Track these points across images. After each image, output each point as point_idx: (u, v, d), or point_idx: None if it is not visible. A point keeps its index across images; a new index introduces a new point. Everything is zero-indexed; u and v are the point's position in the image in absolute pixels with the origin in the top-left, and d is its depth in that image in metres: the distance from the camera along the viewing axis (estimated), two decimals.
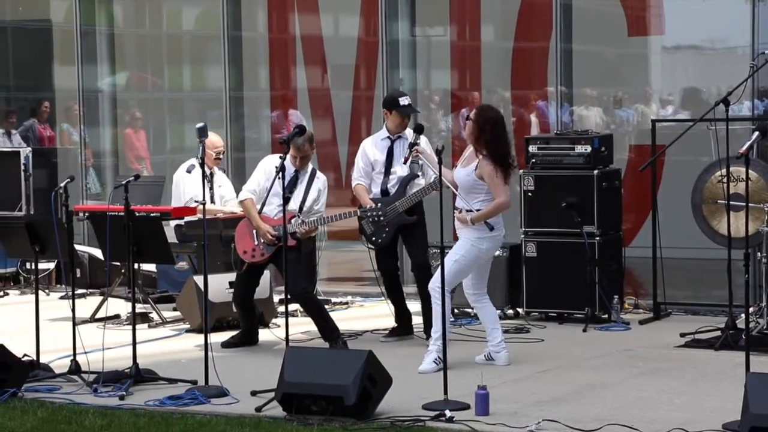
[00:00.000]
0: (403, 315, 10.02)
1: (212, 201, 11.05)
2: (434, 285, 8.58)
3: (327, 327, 9.42)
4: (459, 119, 12.61)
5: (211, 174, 11.11)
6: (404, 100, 9.84)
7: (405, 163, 9.20)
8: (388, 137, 9.84)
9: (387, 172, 9.77)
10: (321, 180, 9.64)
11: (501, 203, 8.58)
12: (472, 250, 8.64)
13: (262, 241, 9.49)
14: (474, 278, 8.82)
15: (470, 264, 8.69)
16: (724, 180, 9.56)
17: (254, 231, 9.51)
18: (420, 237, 9.76)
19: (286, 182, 9.00)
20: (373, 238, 9.77)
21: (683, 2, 11.74)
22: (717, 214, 10.07)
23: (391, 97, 9.99)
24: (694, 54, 12.22)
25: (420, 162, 8.99)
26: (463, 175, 8.68)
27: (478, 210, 8.59)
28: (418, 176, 9.69)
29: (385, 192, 9.76)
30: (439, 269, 8.36)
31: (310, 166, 9.62)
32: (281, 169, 8.54)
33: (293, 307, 10.39)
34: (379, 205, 9.58)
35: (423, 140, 9.66)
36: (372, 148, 9.85)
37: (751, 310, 9.08)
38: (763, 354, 8.70)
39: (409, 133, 9.81)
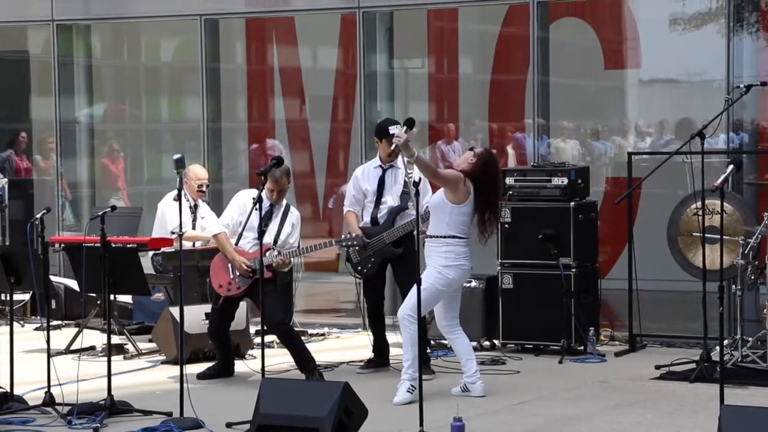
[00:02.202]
0: (381, 346, 10.01)
1: (193, 230, 11.08)
2: (403, 313, 8.62)
3: (303, 358, 9.41)
4: (436, 151, 12.65)
5: (195, 206, 11.13)
6: (394, 129, 9.64)
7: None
8: (380, 166, 9.81)
9: (378, 201, 9.76)
10: (295, 215, 9.66)
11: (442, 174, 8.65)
12: (439, 279, 8.66)
13: (237, 274, 9.48)
14: (445, 309, 8.84)
15: (438, 292, 8.69)
16: (700, 213, 9.60)
17: (229, 265, 9.51)
18: (410, 269, 9.69)
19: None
20: (359, 268, 9.76)
21: (659, 36, 11.81)
22: (692, 247, 10.12)
23: (382, 125, 9.88)
24: (670, 87, 12.30)
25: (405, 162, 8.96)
26: (434, 197, 8.78)
27: (437, 236, 8.63)
28: (407, 208, 9.68)
29: (374, 221, 9.73)
30: (408, 297, 8.44)
31: (284, 201, 9.64)
32: (258, 200, 8.55)
33: (269, 338, 10.38)
34: (356, 234, 9.58)
35: (416, 169, 9.72)
36: (364, 176, 9.80)
37: (725, 342, 9.10)
38: (738, 387, 8.75)
39: (401, 162, 9.80)
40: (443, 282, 8.68)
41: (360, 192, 9.80)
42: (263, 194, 8.71)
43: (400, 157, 9.81)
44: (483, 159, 8.71)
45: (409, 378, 8.53)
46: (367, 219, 9.78)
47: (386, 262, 9.73)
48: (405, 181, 9.70)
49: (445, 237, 8.67)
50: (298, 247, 9.62)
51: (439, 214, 8.68)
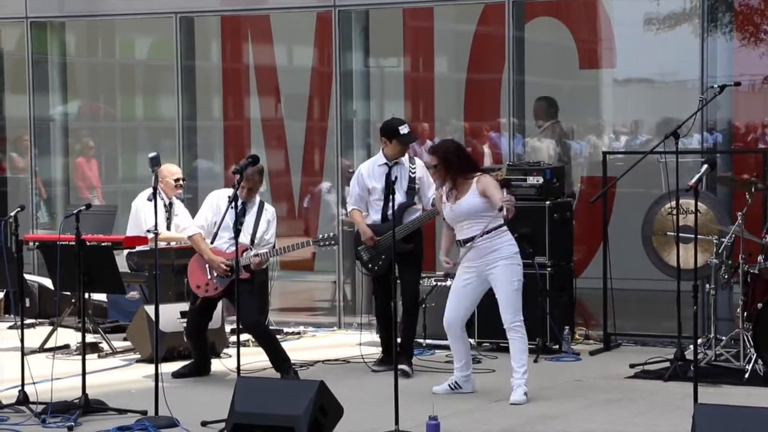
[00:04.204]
0: (390, 345, 9.91)
1: (168, 230, 11.06)
2: (513, 321, 8.63)
3: (278, 357, 9.40)
4: (410, 150, 12.63)
5: (170, 203, 11.12)
6: (404, 129, 9.67)
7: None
8: (386, 163, 9.75)
9: (387, 198, 9.72)
10: (270, 212, 9.64)
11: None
12: (519, 269, 8.66)
13: (215, 274, 9.46)
14: (467, 308, 8.88)
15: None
16: (674, 212, 9.65)
17: (207, 265, 9.49)
18: (413, 267, 9.67)
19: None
20: (369, 266, 9.72)
21: (634, 36, 11.85)
22: (667, 246, 10.16)
23: (391, 126, 9.75)
24: (644, 87, 12.34)
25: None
26: (469, 204, 8.59)
27: (496, 227, 8.56)
28: (415, 203, 9.66)
29: (385, 218, 9.67)
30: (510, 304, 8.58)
31: (257, 198, 9.61)
32: (234, 198, 8.55)
33: (245, 337, 10.36)
34: (332, 234, 9.57)
35: (418, 164, 9.75)
36: (369, 174, 9.73)
37: (699, 341, 9.15)
38: (711, 385, 8.79)
39: (406, 159, 9.78)
40: (521, 270, 8.67)
41: (365, 190, 9.72)
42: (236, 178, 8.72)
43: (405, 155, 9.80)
44: (443, 162, 8.63)
45: (526, 383, 8.58)
46: (376, 217, 9.71)
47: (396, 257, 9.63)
48: (410, 177, 9.69)
49: (501, 226, 8.63)
50: (274, 247, 9.60)
51: (486, 214, 8.52)
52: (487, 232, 8.57)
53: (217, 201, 9.51)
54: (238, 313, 8.35)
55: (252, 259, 9.38)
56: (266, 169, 9.78)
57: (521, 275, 8.69)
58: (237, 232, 8.62)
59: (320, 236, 9.57)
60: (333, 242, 9.51)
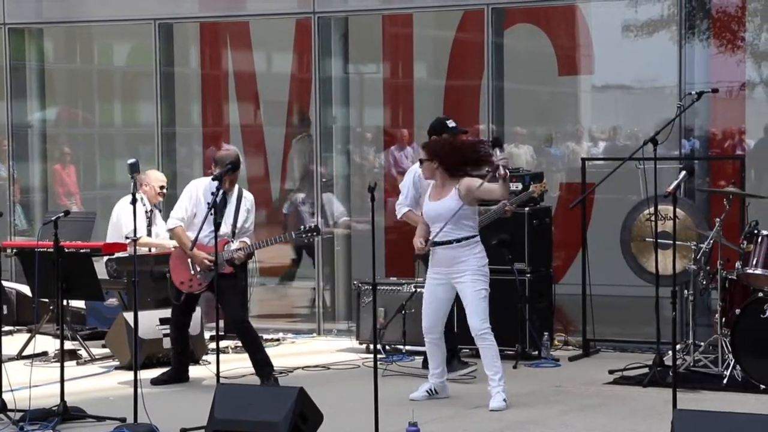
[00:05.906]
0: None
1: (149, 236, 11.04)
2: (482, 327, 8.60)
3: (261, 361, 9.38)
4: (389, 156, 12.68)
5: (151, 211, 11.10)
6: (451, 122, 9.66)
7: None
8: None
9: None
10: (249, 200, 9.60)
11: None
12: (487, 280, 8.69)
13: (198, 269, 9.42)
14: (442, 315, 8.88)
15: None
16: (653, 218, 9.68)
17: (189, 260, 9.43)
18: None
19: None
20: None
21: (612, 42, 11.89)
22: (645, 252, 10.19)
23: (439, 122, 9.71)
24: (623, 93, 12.38)
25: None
26: (442, 207, 8.64)
27: (469, 237, 8.62)
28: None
29: None
30: (478, 310, 8.52)
31: (236, 186, 9.58)
32: (213, 204, 8.53)
33: (224, 343, 10.35)
34: (313, 225, 9.52)
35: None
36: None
37: (678, 347, 9.17)
38: (690, 391, 8.82)
39: None
40: (488, 280, 8.71)
41: (419, 192, 9.41)
42: (216, 183, 8.70)
43: None
44: (430, 157, 8.69)
45: (503, 389, 8.59)
46: None
47: None
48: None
49: (476, 236, 8.70)
50: (252, 241, 9.51)
51: (464, 221, 8.63)
52: (458, 241, 8.64)
53: (197, 193, 9.45)
54: (219, 311, 8.29)
55: (236, 254, 9.33)
56: (245, 176, 9.77)
57: (488, 285, 8.70)
58: (217, 226, 8.60)
59: (301, 227, 9.54)
60: (315, 233, 9.47)
